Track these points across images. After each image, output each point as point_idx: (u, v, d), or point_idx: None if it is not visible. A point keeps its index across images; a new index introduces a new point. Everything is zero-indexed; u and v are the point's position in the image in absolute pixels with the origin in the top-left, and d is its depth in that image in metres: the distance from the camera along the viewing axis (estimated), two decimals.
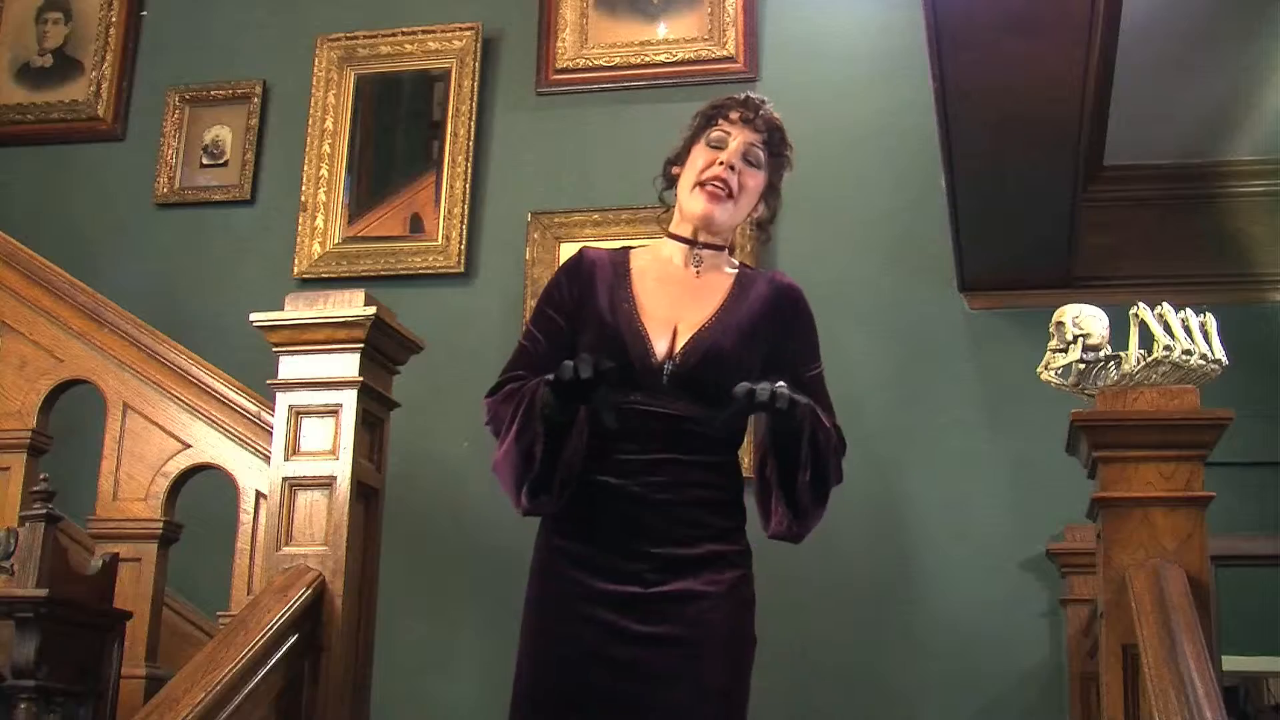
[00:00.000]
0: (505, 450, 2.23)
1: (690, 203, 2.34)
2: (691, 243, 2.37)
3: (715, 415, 2.14)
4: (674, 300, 2.31)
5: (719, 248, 2.38)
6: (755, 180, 2.36)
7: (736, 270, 2.41)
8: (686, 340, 2.26)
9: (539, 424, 2.16)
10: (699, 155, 2.36)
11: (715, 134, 2.36)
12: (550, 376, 2.12)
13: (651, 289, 2.33)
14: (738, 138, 2.35)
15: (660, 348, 2.25)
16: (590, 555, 2.21)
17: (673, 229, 2.40)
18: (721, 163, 2.32)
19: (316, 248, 4.40)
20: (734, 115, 2.36)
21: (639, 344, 2.25)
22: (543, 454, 2.17)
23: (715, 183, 2.31)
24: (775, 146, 2.38)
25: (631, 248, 2.44)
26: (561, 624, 2.21)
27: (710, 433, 2.19)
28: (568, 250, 4.20)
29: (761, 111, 2.37)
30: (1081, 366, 2.65)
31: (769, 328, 2.33)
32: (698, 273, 2.35)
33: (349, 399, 2.68)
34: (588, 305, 2.32)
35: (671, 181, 2.43)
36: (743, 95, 2.41)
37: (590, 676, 2.16)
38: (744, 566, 2.26)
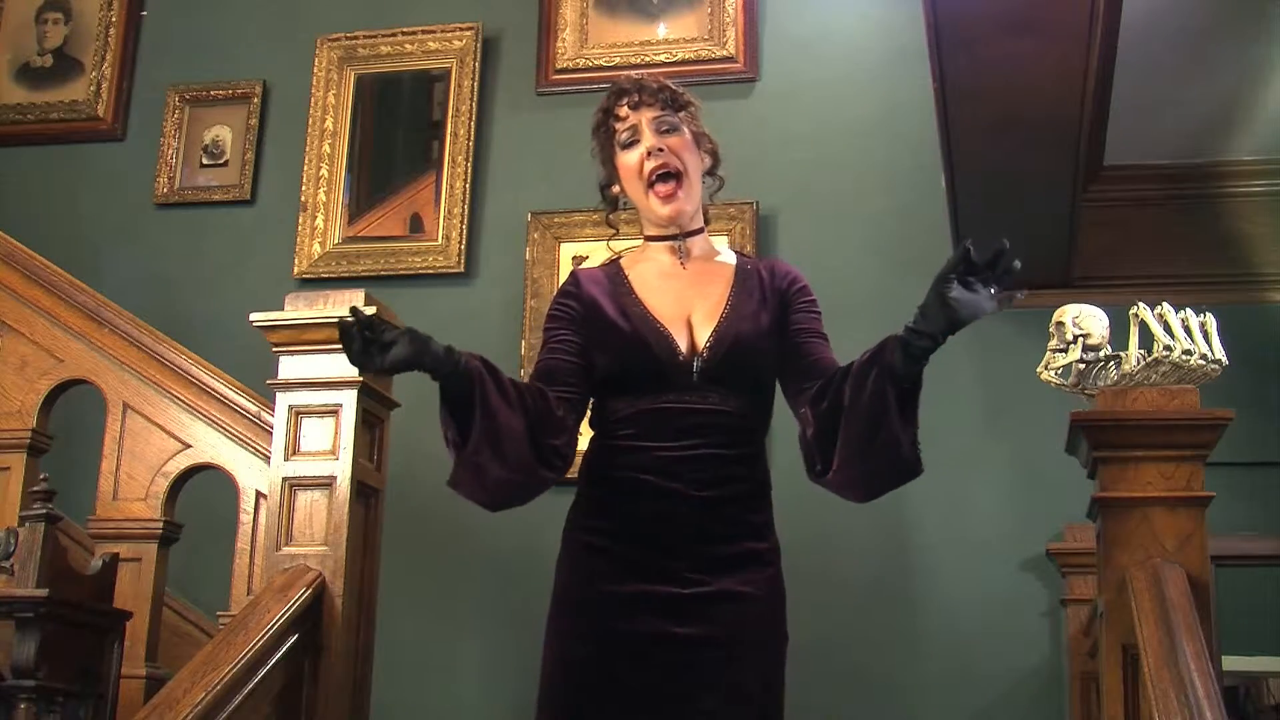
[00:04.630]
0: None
1: (651, 209, 2.33)
2: (672, 237, 2.35)
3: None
4: (679, 295, 2.30)
5: (699, 231, 2.38)
6: (682, 141, 2.32)
7: (735, 259, 2.40)
8: (709, 334, 2.25)
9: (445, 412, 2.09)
10: (625, 162, 2.33)
11: (622, 135, 2.33)
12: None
13: (655, 288, 2.32)
14: (640, 121, 2.32)
15: (681, 343, 2.24)
16: (628, 554, 2.17)
17: (649, 232, 2.39)
18: (649, 153, 2.30)
19: (316, 248, 4.40)
20: (623, 109, 2.33)
21: (663, 342, 2.24)
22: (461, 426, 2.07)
23: (658, 173, 2.29)
24: (675, 103, 2.34)
25: (617, 256, 2.43)
26: (596, 624, 2.16)
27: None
28: (568, 250, 4.20)
29: (642, 87, 2.34)
30: (1081, 366, 2.65)
31: (777, 309, 2.31)
32: (685, 264, 2.34)
33: (349, 399, 2.68)
34: (595, 321, 2.29)
35: (614, 203, 2.43)
36: (615, 87, 2.37)
37: (624, 678, 2.12)
38: (777, 563, 2.25)
